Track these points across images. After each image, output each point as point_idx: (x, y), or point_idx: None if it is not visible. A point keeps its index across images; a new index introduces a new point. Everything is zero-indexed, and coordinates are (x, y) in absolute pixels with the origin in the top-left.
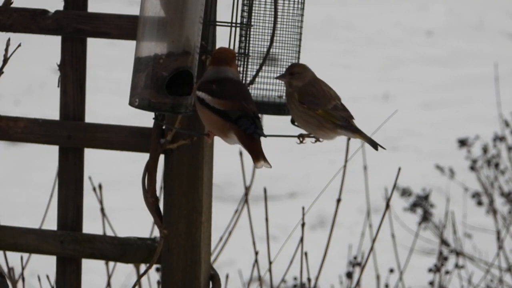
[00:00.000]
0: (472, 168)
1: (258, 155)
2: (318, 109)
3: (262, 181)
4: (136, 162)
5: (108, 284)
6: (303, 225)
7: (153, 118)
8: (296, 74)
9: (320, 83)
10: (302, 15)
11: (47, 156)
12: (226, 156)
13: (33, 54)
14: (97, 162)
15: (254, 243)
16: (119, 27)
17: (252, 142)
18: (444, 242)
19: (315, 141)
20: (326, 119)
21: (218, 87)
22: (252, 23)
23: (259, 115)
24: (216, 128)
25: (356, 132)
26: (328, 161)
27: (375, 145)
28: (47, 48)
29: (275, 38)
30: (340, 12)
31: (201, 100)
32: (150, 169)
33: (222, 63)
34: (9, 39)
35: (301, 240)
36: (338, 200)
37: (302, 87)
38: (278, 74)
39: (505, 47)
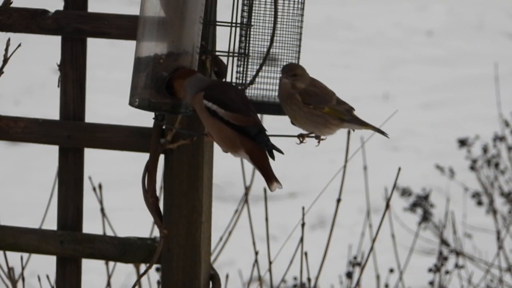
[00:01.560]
0: (472, 168)
1: (271, 176)
2: (324, 107)
3: (262, 181)
4: (136, 162)
5: (108, 284)
6: (303, 225)
7: (153, 118)
8: (299, 76)
9: (318, 82)
10: (302, 15)
11: (47, 156)
12: (226, 156)
13: (33, 54)
14: (97, 162)
15: (254, 243)
16: (119, 27)
17: (265, 162)
18: (444, 242)
19: (319, 142)
20: (333, 116)
21: (227, 98)
22: (252, 23)
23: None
24: (227, 142)
25: (362, 124)
26: (328, 161)
27: (383, 133)
28: (47, 48)
29: (275, 38)
30: (340, 12)
31: (213, 112)
32: (150, 169)
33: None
34: (9, 39)
35: (301, 240)
36: (338, 200)
37: (304, 88)
38: (278, 74)
39: (505, 47)
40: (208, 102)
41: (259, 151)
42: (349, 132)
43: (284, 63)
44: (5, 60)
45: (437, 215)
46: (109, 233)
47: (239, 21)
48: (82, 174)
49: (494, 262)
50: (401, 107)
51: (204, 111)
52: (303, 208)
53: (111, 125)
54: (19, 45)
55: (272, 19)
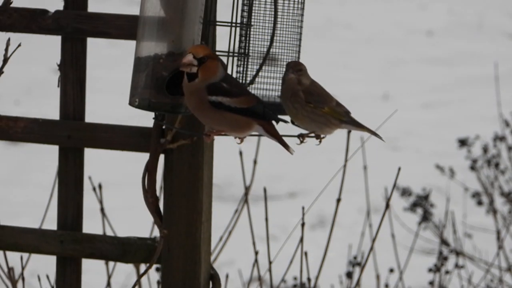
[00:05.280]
0: (472, 168)
1: (286, 143)
2: (324, 107)
3: (262, 181)
4: (136, 162)
5: (108, 284)
6: (303, 225)
7: (153, 118)
8: (304, 71)
9: (317, 84)
10: (302, 15)
11: (47, 156)
12: (226, 156)
13: (33, 54)
14: (97, 162)
15: (254, 243)
16: (119, 27)
17: (276, 132)
18: (444, 242)
19: (320, 141)
20: (333, 116)
21: (229, 85)
22: (252, 23)
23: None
24: (241, 128)
25: (359, 126)
26: (328, 161)
27: (379, 136)
28: (47, 48)
29: (275, 38)
30: (340, 12)
31: (218, 104)
32: (150, 169)
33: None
34: (9, 39)
35: (301, 240)
36: (338, 200)
37: (308, 87)
38: (278, 74)
39: (505, 47)
40: (211, 97)
41: (270, 124)
42: (349, 132)
43: (284, 63)
44: (5, 60)
45: (437, 215)
46: (109, 233)
47: (239, 21)
48: (82, 174)
49: (494, 262)
50: (401, 107)
51: (208, 108)
52: (303, 208)
53: (111, 125)
54: (19, 45)
55: (272, 19)
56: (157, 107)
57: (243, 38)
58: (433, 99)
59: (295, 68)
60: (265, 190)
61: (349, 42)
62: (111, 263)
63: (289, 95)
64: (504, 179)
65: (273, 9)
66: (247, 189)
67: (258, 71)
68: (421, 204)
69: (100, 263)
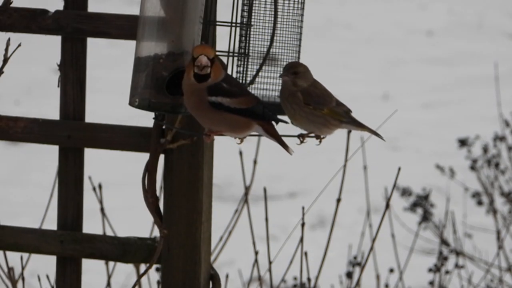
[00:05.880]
0: (472, 168)
1: (285, 143)
2: (324, 108)
3: (262, 181)
4: (136, 162)
5: (108, 284)
6: (303, 225)
7: (153, 118)
8: (301, 73)
9: (319, 84)
10: (302, 15)
11: (47, 156)
12: (226, 156)
13: (33, 54)
14: (97, 162)
15: (254, 243)
16: (119, 27)
17: (276, 132)
18: (444, 242)
19: (320, 141)
20: (332, 116)
21: (229, 85)
22: (252, 23)
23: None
24: (240, 128)
25: (359, 126)
26: (328, 161)
27: (379, 135)
28: (47, 48)
29: (275, 38)
30: (340, 12)
31: (218, 105)
32: (150, 169)
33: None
34: (9, 39)
35: (301, 240)
36: (338, 200)
37: (306, 88)
38: (278, 74)
39: (505, 47)
40: (211, 97)
41: (270, 124)
42: (349, 132)
43: (284, 63)
44: (5, 60)
45: (437, 215)
46: (109, 233)
47: (239, 21)
48: (82, 174)
49: (494, 262)
50: (401, 107)
51: (207, 108)
52: (303, 208)
53: (111, 125)
54: (19, 45)
55: (272, 19)
56: (157, 107)
57: (243, 38)
58: (433, 99)
59: (290, 71)
60: (265, 190)
61: (349, 42)
62: (111, 263)
63: (286, 95)
64: (504, 179)
65: (273, 9)
66: (247, 189)
67: (258, 71)
68: (421, 204)
69: (100, 263)
